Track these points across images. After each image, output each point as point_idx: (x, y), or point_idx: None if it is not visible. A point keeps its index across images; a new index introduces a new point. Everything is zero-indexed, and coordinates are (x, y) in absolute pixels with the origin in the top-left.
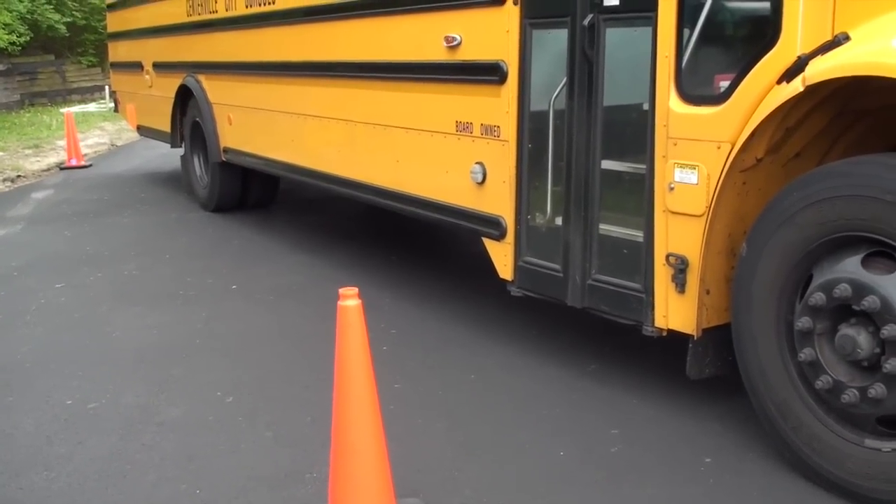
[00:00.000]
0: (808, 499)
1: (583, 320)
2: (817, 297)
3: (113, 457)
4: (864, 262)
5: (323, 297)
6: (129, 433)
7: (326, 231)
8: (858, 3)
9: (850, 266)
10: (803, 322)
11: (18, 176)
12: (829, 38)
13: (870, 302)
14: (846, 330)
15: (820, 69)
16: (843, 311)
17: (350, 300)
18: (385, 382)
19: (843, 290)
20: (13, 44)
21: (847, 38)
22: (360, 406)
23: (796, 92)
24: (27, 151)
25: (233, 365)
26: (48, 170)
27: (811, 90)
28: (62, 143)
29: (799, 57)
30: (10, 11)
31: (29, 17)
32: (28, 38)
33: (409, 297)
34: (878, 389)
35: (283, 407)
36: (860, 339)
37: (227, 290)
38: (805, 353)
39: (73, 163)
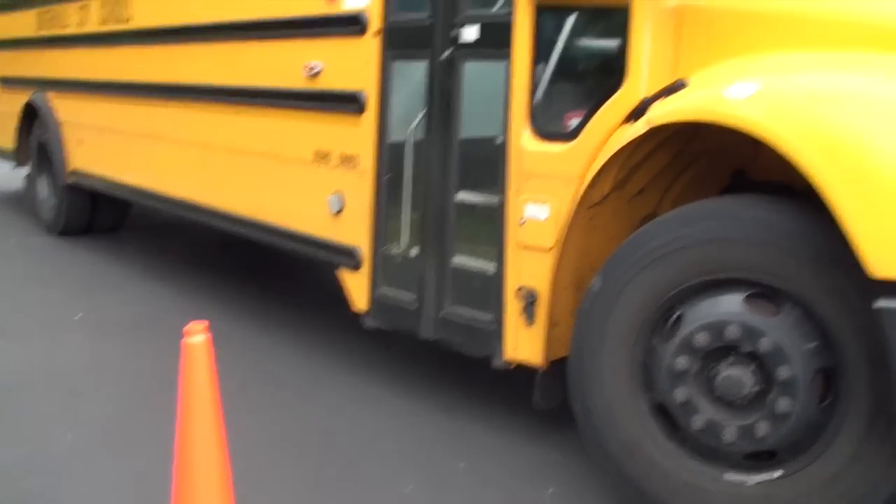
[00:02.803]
0: None
1: (438, 351)
2: (701, 338)
3: None
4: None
5: (172, 329)
6: None
7: (179, 258)
8: (696, 52)
9: (734, 307)
10: (681, 362)
11: None
12: (670, 82)
13: (764, 344)
14: (730, 371)
15: (661, 112)
16: (720, 351)
17: (196, 336)
18: (234, 418)
19: (733, 331)
20: None
21: (684, 84)
22: (204, 447)
23: (640, 132)
24: None
25: (74, 401)
26: None
27: (654, 131)
28: None
29: (643, 99)
30: None
31: None
32: None
33: (264, 328)
34: (763, 427)
35: (128, 445)
36: (745, 379)
37: (70, 321)
38: (679, 393)
39: None
